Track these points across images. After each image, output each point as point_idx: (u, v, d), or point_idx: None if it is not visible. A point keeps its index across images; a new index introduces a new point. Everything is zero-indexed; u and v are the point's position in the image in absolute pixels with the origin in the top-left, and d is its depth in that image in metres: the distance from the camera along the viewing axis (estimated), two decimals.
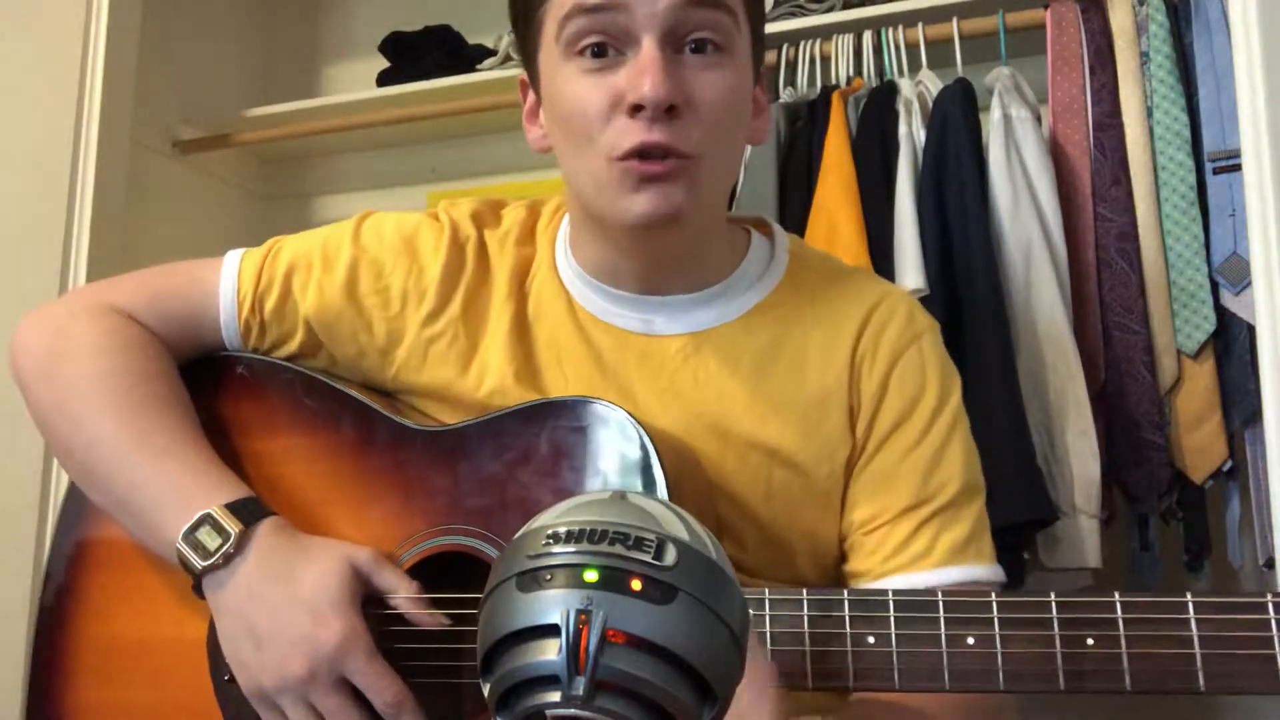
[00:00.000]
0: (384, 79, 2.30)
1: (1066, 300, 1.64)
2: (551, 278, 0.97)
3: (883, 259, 1.69)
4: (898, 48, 1.86)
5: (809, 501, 0.92)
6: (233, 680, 0.85)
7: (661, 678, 0.50)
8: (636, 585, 0.51)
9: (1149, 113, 1.67)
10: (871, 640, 0.69)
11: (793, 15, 1.97)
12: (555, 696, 0.50)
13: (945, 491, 0.90)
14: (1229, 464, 1.58)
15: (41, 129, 1.98)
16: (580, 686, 0.49)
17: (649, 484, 0.79)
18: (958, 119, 1.71)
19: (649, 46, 0.80)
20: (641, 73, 0.79)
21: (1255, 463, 1.54)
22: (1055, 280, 1.63)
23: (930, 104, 1.77)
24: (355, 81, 2.43)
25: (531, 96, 0.94)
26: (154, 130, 2.27)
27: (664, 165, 0.82)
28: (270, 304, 0.98)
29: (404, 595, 0.83)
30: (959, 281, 1.67)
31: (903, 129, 1.76)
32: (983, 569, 0.90)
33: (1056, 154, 1.72)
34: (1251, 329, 1.51)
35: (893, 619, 0.69)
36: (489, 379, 0.94)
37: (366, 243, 1.00)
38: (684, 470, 0.85)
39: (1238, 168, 1.51)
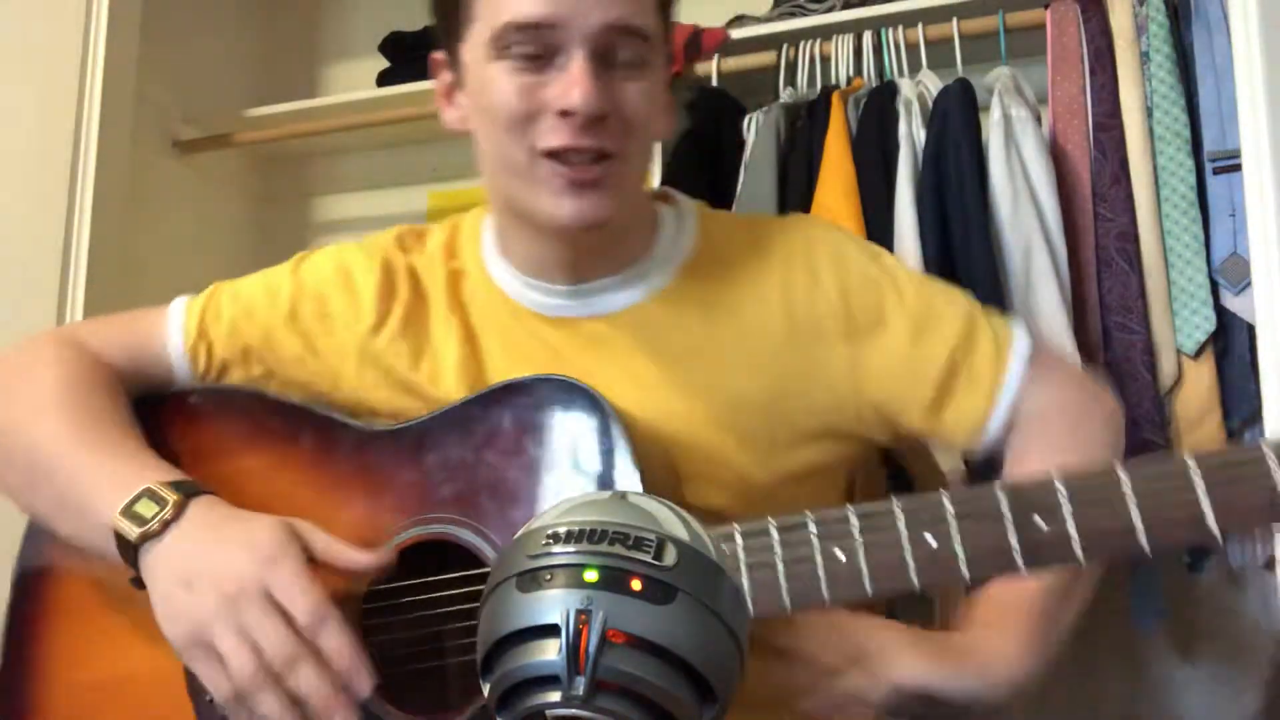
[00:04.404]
0: (384, 79, 2.30)
1: (1066, 300, 1.64)
2: (486, 283, 1.00)
3: None
4: (898, 48, 1.86)
5: (792, 433, 0.94)
6: (214, 700, 0.83)
7: (661, 678, 0.50)
8: (636, 585, 0.51)
9: (1149, 113, 1.67)
10: (842, 556, 0.71)
11: (793, 15, 1.97)
12: (555, 696, 0.50)
13: (957, 333, 0.94)
14: None
15: (41, 129, 1.98)
16: (580, 686, 0.49)
17: (610, 450, 0.80)
18: (958, 119, 1.71)
19: (579, 60, 0.85)
20: (573, 84, 0.84)
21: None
22: (1055, 280, 1.64)
23: (930, 104, 1.77)
24: (355, 81, 2.43)
25: (447, 75, 0.96)
26: (154, 130, 2.27)
27: (592, 172, 0.87)
28: (218, 336, 1.01)
29: (338, 547, 0.82)
30: (959, 282, 1.67)
31: (903, 129, 1.77)
32: (1022, 343, 0.96)
33: (1056, 154, 1.72)
34: (1251, 329, 1.51)
35: (856, 529, 0.72)
36: (441, 388, 0.97)
37: (305, 277, 1.03)
38: (649, 447, 0.86)
39: (1238, 168, 1.51)
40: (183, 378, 1.01)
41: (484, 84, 0.89)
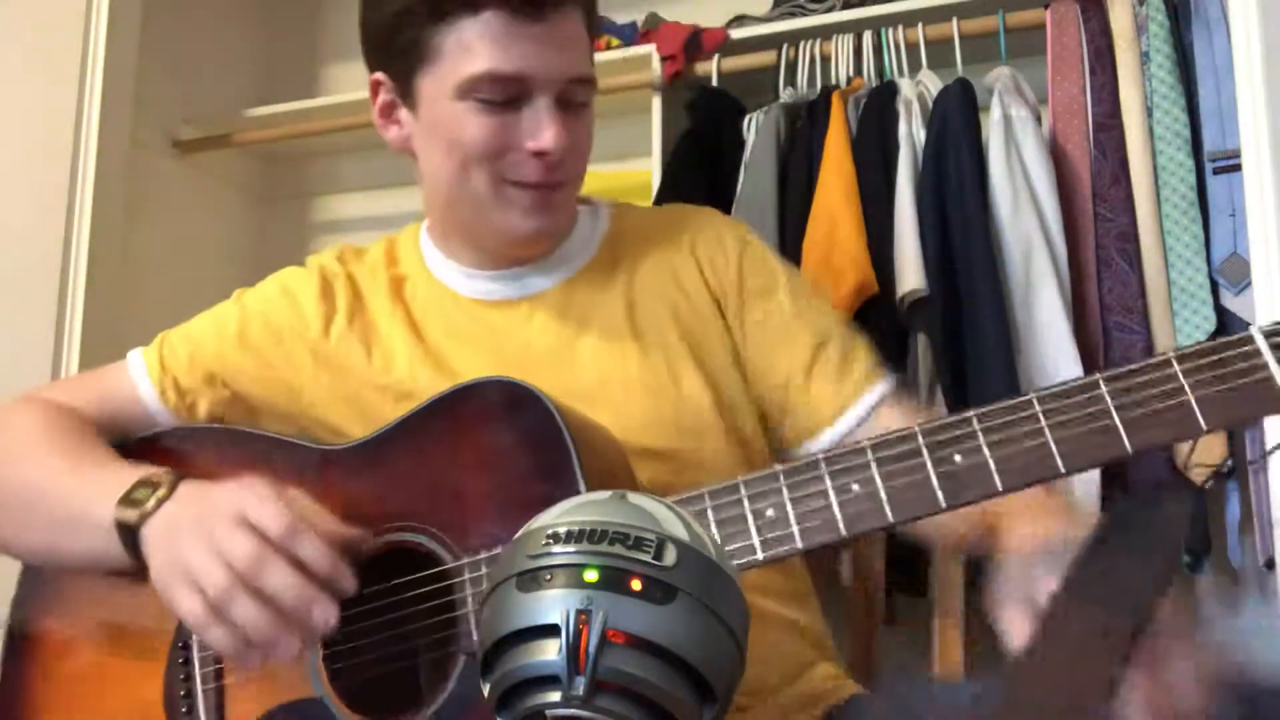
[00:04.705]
0: None
1: (1066, 300, 1.64)
2: (428, 279, 1.09)
3: (883, 259, 1.70)
4: (898, 48, 1.86)
5: (719, 403, 1.01)
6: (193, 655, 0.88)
7: (661, 678, 0.50)
8: (636, 585, 0.51)
9: (1149, 113, 1.67)
10: (770, 513, 0.75)
11: (793, 15, 1.97)
12: (555, 696, 0.50)
13: (834, 328, 1.04)
14: (1229, 464, 1.58)
15: (41, 129, 1.98)
16: (580, 686, 0.49)
17: (562, 450, 0.82)
18: (958, 119, 1.71)
19: (546, 105, 0.95)
20: (543, 127, 0.95)
21: (1255, 463, 1.54)
22: (1055, 280, 1.64)
23: (930, 104, 1.77)
24: (355, 81, 2.41)
25: (385, 96, 1.03)
26: (154, 130, 2.27)
27: (552, 197, 0.99)
28: (179, 370, 1.06)
29: (324, 517, 0.84)
30: (959, 281, 1.67)
31: (903, 129, 1.77)
32: (885, 383, 1.03)
33: (1056, 154, 1.72)
34: None
35: (784, 488, 0.75)
36: (399, 379, 1.03)
37: (247, 301, 1.10)
38: (594, 435, 0.89)
39: (1238, 168, 1.51)
40: (158, 415, 1.05)
41: (448, 119, 0.96)
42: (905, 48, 1.86)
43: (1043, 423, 0.71)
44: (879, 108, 1.80)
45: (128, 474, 0.90)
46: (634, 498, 0.56)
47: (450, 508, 0.87)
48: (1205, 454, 1.59)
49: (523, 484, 0.85)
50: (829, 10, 1.94)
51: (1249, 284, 1.50)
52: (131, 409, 1.05)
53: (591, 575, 0.51)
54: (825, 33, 1.92)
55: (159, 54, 2.21)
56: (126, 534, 0.86)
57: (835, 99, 1.82)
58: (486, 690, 0.53)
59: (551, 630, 0.50)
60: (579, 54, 0.97)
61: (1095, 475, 1.57)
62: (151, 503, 0.85)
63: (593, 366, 1.01)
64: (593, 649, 0.49)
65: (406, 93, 1.00)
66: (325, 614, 0.77)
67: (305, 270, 1.11)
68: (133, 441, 1.03)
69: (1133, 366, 0.71)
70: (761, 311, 1.04)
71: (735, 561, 0.73)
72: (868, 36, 1.88)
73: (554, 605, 0.50)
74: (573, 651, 0.49)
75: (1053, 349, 1.62)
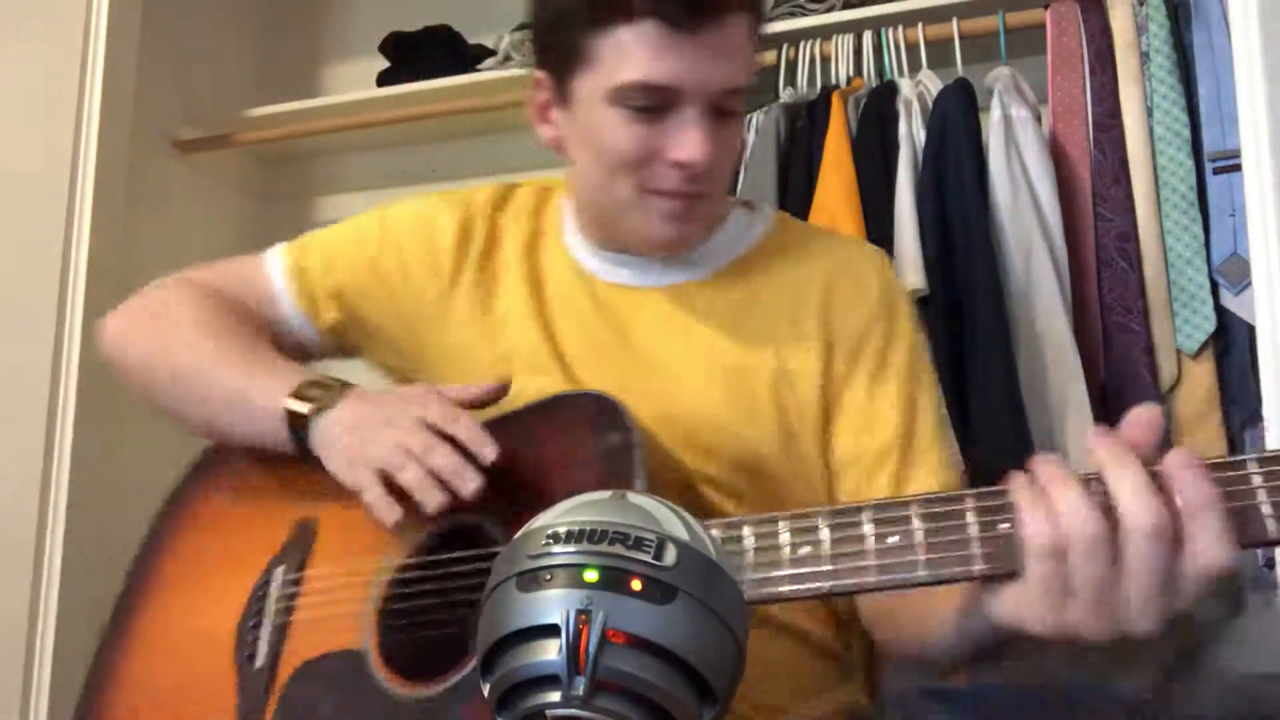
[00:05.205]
0: (384, 79, 2.30)
1: (1066, 300, 1.64)
2: (557, 240, 1.10)
3: None
4: (898, 48, 1.86)
5: (789, 450, 1.01)
6: (252, 658, 0.92)
7: (662, 678, 0.50)
8: (636, 585, 0.51)
9: (1149, 113, 1.67)
10: (805, 550, 0.73)
11: (793, 15, 1.97)
12: (555, 696, 0.50)
13: (925, 430, 1.01)
14: None
15: (41, 129, 1.98)
16: (580, 686, 0.49)
17: (630, 467, 0.85)
18: (958, 119, 1.71)
19: (695, 116, 0.94)
20: (689, 139, 0.94)
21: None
22: (1055, 280, 1.64)
23: (930, 104, 1.77)
24: (355, 81, 2.42)
25: (543, 95, 1.03)
26: (154, 130, 2.26)
27: (693, 208, 0.99)
28: (314, 275, 1.11)
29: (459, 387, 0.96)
30: (959, 282, 1.67)
31: (903, 129, 1.77)
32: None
33: (1056, 154, 1.72)
34: (1251, 329, 1.52)
35: (826, 529, 0.73)
36: (507, 336, 1.06)
37: (388, 225, 1.13)
38: (664, 463, 0.92)
39: (1238, 168, 1.51)
40: (291, 318, 1.12)
41: (599, 123, 0.97)
42: (905, 48, 1.86)
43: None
44: (879, 108, 1.80)
45: (293, 372, 1.01)
46: (634, 497, 0.56)
47: (518, 501, 0.89)
48: (1205, 454, 1.59)
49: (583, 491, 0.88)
50: (829, 10, 1.94)
51: (1249, 284, 1.50)
52: (267, 307, 1.11)
53: (591, 575, 0.51)
54: (825, 33, 1.92)
55: (159, 54, 2.21)
56: (297, 421, 0.96)
57: (835, 99, 1.82)
58: (486, 690, 0.53)
59: (551, 630, 0.50)
60: (737, 64, 0.95)
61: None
62: (326, 399, 0.96)
63: (678, 379, 1.02)
64: (593, 649, 0.49)
65: (563, 93, 1.00)
66: (473, 482, 0.87)
67: (449, 206, 1.12)
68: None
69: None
70: (864, 390, 1.01)
71: (765, 590, 0.73)
72: (868, 36, 1.88)
73: (554, 605, 0.50)
74: (573, 651, 0.49)
75: (1052, 348, 1.62)
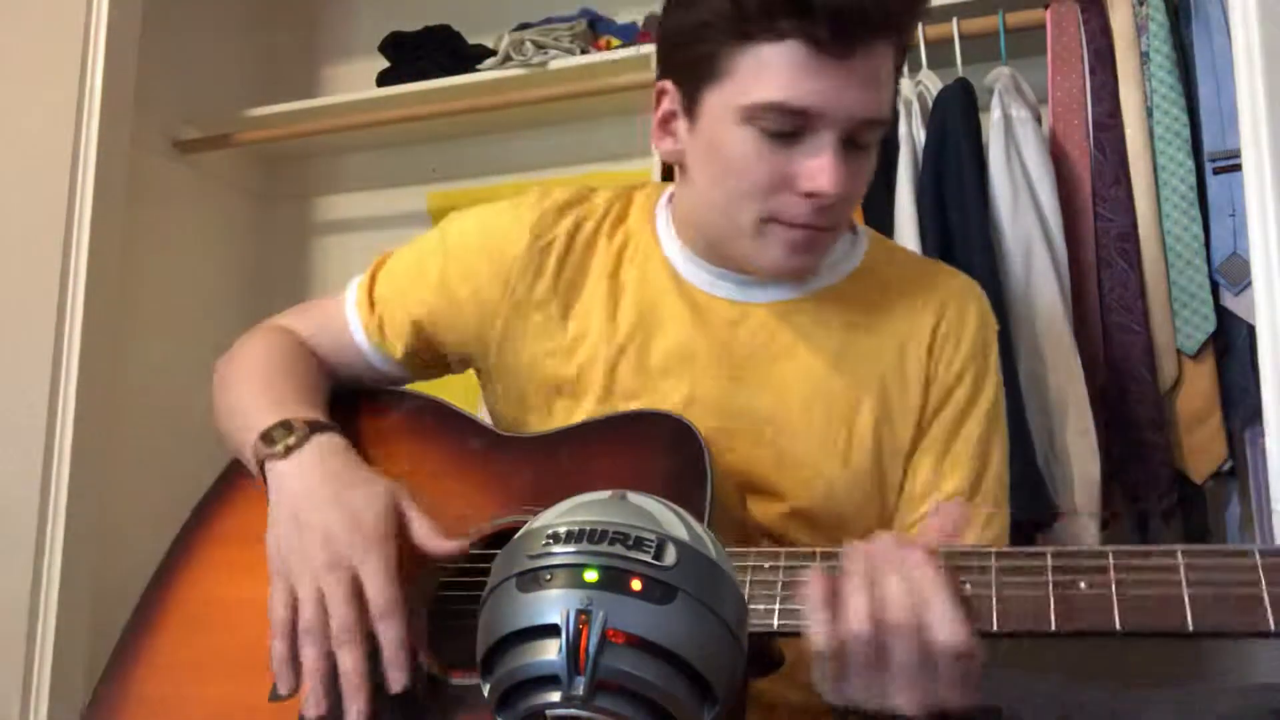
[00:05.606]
0: (384, 79, 2.30)
1: (1066, 300, 1.64)
2: (650, 246, 1.07)
3: None
4: None
5: (879, 485, 1.00)
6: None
7: (661, 677, 0.50)
8: (636, 585, 0.51)
9: (1149, 113, 1.67)
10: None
11: None
12: (555, 696, 0.50)
13: (990, 483, 1.01)
14: (1229, 464, 1.58)
15: (41, 129, 1.98)
16: (580, 686, 0.49)
17: (699, 491, 0.85)
18: (958, 119, 1.71)
19: (830, 143, 0.90)
20: (822, 169, 0.90)
21: (1255, 463, 1.54)
22: (1055, 280, 1.64)
23: (930, 104, 1.77)
24: (355, 81, 2.43)
25: (668, 107, 1.00)
26: (154, 130, 2.26)
27: (816, 240, 0.96)
28: (387, 316, 1.10)
29: (426, 533, 0.91)
30: None
31: (903, 129, 1.77)
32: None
33: (1056, 154, 1.72)
34: (1251, 329, 1.51)
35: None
36: (585, 348, 1.03)
37: (450, 244, 1.10)
38: (731, 492, 0.93)
39: (1238, 168, 1.51)
40: (367, 353, 1.11)
41: (727, 142, 0.93)
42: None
43: (1181, 575, 0.67)
44: None
45: (288, 409, 0.98)
46: (634, 498, 0.56)
47: None
48: (1205, 454, 1.59)
49: None
50: None
51: (1249, 284, 1.50)
52: (347, 345, 1.11)
53: (592, 575, 0.51)
54: None
55: (159, 54, 2.21)
56: (258, 467, 0.95)
57: None
58: (487, 690, 0.53)
59: (552, 630, 0.50)
60: (878, 95, 0.91)
61: (1095, 476, 1.57)
62: (280, 448, 0.93)
63: (773, 403, 1.00)
64: (593, 649, 0.49)
65: (691, 106, 0.96)
66: (359, 709, 0.82)
67: (519, 213, 1.08)
68: (361, 392, 1.10)
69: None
70: (949, 429, 1.01)
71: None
72: None
73: (554, 605, 0.51)
74: (573, 651, 0.50)
75: (1052, 349, 1.62)
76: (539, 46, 2.09)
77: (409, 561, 0.89)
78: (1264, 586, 0.65)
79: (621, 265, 1.06)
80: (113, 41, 2.01)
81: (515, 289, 1.06)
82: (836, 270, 1.05)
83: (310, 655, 0.84)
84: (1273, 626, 0.65)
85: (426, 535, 0.89)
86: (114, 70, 2.01)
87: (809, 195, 0.91)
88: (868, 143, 0.94)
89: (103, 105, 1.98)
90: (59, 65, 1.99)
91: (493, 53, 2.16)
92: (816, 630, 0.68)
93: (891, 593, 0.67)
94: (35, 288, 1.91)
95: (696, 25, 0.93)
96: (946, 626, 0.66)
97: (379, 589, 0.84)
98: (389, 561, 0.86)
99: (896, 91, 0.97)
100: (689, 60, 0.95)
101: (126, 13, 2.05)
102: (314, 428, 0.95)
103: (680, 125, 0.99)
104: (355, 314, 1.11)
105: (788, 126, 0.90)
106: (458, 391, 1.15)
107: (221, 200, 2.48)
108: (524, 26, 2.16)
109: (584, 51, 2.10)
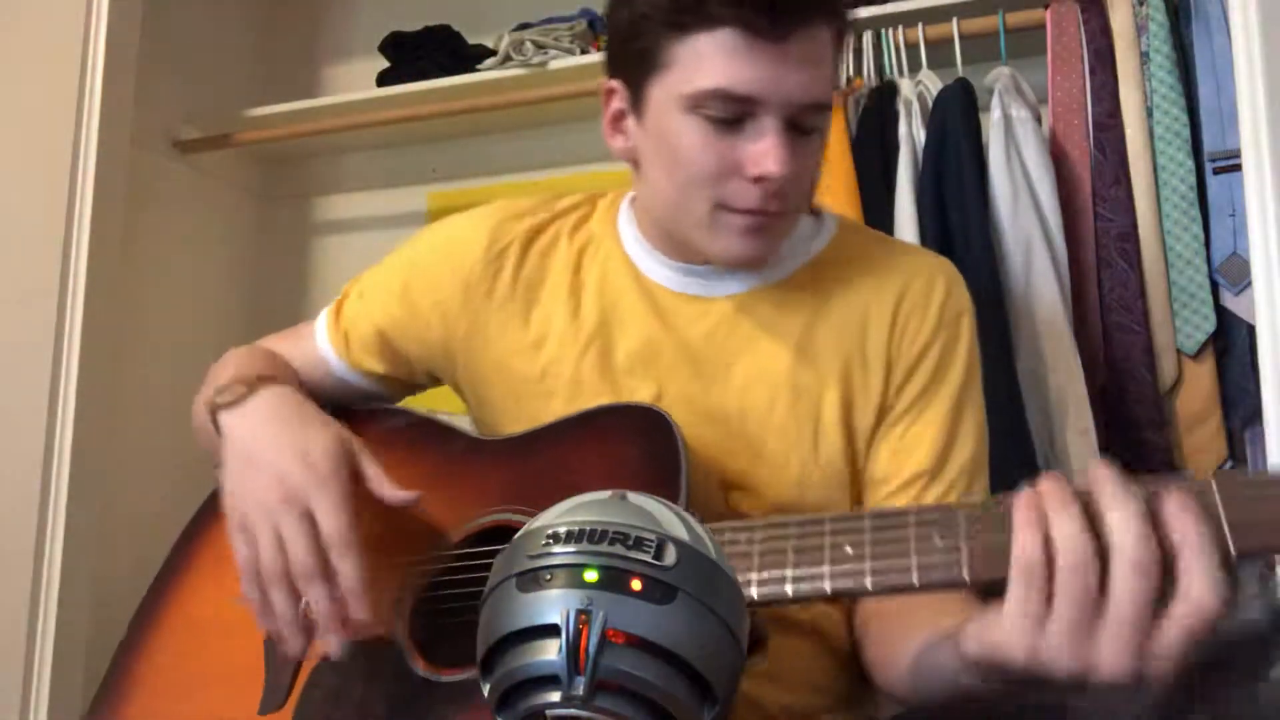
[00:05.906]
0: (384, 79, 2.30)
1: (1066, 300, 1.64)
2: (612, 247, 1.07)
3: None
4: (898, 48, 1.86)
5: (855, 445, 1.00)
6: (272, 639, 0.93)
7: (661, 677, 0.50)
8: (636, 585, 0.51)
9: (1149, 113, 1.67)
10: (849, 550, 0.73)
11: None
12: (555, 696, 0.50)
13: (955, 465, 0.99)
14: (1229, 464, 1.58)
15: (41, 129, 1.98)
16: (580, 686, 0.49)
17: (674, 478, 0.85)
18: (958, 119, 1.71)
19: (773, 128, 0.91)
20: (766, 152, 0.91)
21: (1255, 463, 1.54)
22: (1055, 280, 1.64)
23: (930, 104, 1.77)
24: (355, 81, 2.43)
25: (617, 105, 1.01)
26: (154, 130, 2.26)
27: (769, 225, 0.95)
28: (353, 329, 1.12)
29: (380, 477, 0.91)
30: None
31: (903, 129, 1.77)
32: None
33: (1056, 154, 1.72)
34: (1251, 329, 1.51)
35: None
36: (547, 349, 1.04)
37: (415, 255, 1.12)
38: (706, 478, 0.93)
39: (1238, 168, 1.51)
40: (338, 369, 1.12)
41: (674, 132, 0.94)
42: (905, 48, 1.86)
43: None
44: (879, 108, 1.80)
45: (245, 373, 0.99)
46: (634, 498, 0.56)
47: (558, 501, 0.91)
48: (1205, 454, 1.59)
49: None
50: None
51: (1249, 284, 1.50)
52: (320, 365, 1.12)
53: (591, 575, 0.51)
54: None
55: (159, 54, 2.21)
56: (213, 421, 0.96)
57: (835, 99, 1.82)
58: (486, 690, 0.53)
59: (551, 630, 0.50)
60: (817, 77, 0.91)
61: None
62: (229, 395, 0.95)
63: (741, 393, 1.00)
64: (593, 649, 0.49)
65: (637, 101, 0.97)
66: (335, 645, 0.83)
67: (479, 219, 1.10)
68: (357, 411, 1.11)
69: None
70: (911, 409, 1.00)
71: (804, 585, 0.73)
72: (867, 36, 1.88)
73: (554, 605, 0.51)
74: (573, 651, 0.50)
75: (1052, 349, 1.62)
76: (539, 46, 2.09)
77: (394, 559, 0.89)
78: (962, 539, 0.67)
79: (583, 264, 1.07)
80: (113, 41, 2.01)
81: (475, 293, 1.07)
82: (799, 256, 1.04)
83: (278, 599, 0.85)
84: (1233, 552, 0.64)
85: (380, 482, 0.90)
86: (114, 70, 2.01)
87: (757, 180, 0.92)
88: (813, 126, 0.94)
89: (103, 105, 1.98)
90: (59, 65, 1.99)
91: (493, 53, 2.16)
92: (1020, 549, 0.62)
93: (1133, 521, 0.60)
94: (35, 288, 1.91)
95: (635, 19, 0.94)
96: (1209, 579, 0.59)
97: (332, 523, 0.84)
98: (342, 496, 0.86)
99: (839, 73, 0.96)
100: (631, 55, 0.96)
101: (126, 12, 2.05)
102: (266, 380, 0.97)
103: (630, 122, 1.00)
104: (325, 330, 1.13)
105: (731, 113, 0.91)
106: (455, 406, 1.15)
107: (221, 200, 2.48)
108: (524, 26, 2.16)
109: (584, 51, 2.10)
